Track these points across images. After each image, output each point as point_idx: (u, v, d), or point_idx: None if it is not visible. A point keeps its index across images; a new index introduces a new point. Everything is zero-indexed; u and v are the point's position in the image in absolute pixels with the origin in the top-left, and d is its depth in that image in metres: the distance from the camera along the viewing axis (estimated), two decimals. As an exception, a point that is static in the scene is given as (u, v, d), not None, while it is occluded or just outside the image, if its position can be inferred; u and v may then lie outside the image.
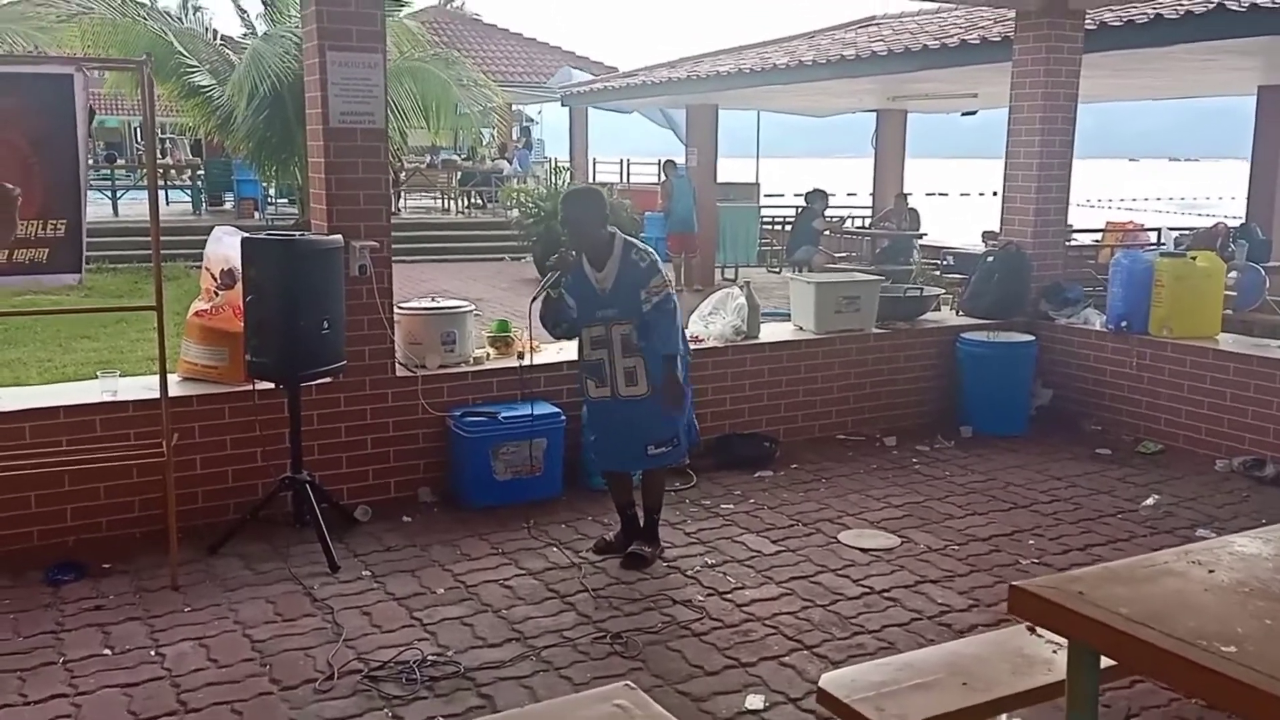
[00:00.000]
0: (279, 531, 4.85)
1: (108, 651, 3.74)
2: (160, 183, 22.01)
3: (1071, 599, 2.02)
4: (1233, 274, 8.48)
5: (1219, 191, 46.06)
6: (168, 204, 21.53)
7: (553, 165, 20.76)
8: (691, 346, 6.26)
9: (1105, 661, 2.13)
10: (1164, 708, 3.48)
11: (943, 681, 2.56)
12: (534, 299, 4.53)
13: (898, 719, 2.37)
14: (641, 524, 4.72)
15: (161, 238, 4.30)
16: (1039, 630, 2.84)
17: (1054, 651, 2.73)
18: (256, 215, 18.65)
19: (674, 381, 4.47)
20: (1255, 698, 1.68)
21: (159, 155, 24.47)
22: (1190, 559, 2.23)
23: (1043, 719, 3.29)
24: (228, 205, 20.83)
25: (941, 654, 2.79)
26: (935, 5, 12.67)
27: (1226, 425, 6.21)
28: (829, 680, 2.55)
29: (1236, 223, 11.70)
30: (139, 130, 30.59)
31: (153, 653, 3.74)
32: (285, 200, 20.37)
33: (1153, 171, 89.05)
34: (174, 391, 4.68)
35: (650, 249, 4.60)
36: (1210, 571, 2.17)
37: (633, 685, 1.66)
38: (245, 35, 13.54)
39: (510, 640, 3.90)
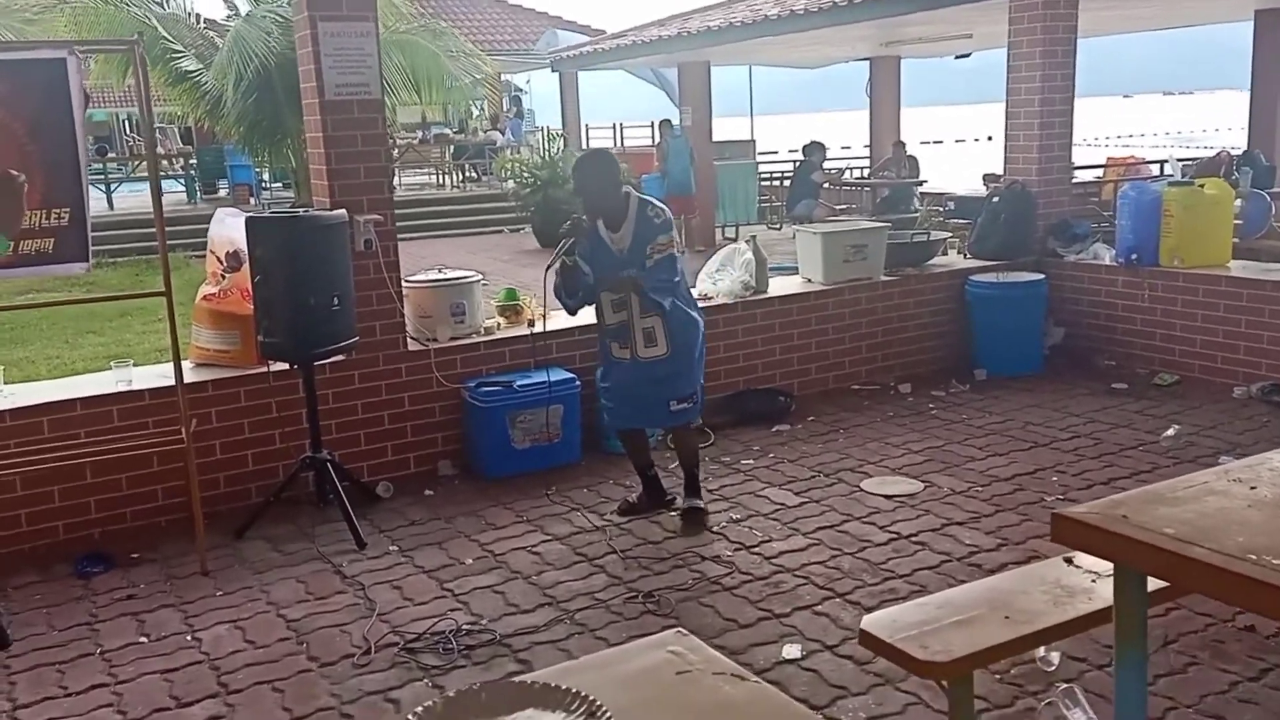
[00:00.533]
0: (303, 512, 4.86)
1: (144, 639, 3.75)
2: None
3: (1116, 523, 2.00)
4: (1237, 202, 8.41)
5: (1214, 123, 45.74)
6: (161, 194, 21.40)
7: (546, 133, 20.59)
8: (700, 304, 6.28)
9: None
10: (1200, 633, 3.49)
11: (984, 616, 2.55)
12: (549, 267, 4.45)
13: (942, 654, 2.37)
14: (684, 482, 4.72)
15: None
16: (1076, 561, 2.84)
17: (1093, 581, 2.72)
18: (252, 200, 18.56)
19: (629, 285, 4.39)
20: (1312, 609, 1.67)
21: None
22: (1230, 477, 2.21)
23: (1079, 650, 3.32)
24: (222, 192, 20.72)
25: (981, 589, 2.78)
26: (924, -54, 12.50)
27: (1242, 352, 6.18)
28: (870, 621, 2.54)
29: (1238, 152, 11.61)
30: (127, 122, 30.43)
31: (189, 637, 3.75)
32: (279, 184, 20.28)
33: (1147, 106, 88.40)
34: (188, 378, 4.66)
35: (665, 207, 4.54)
36: (1252, 488, 2.15)
37: (684, 631, 1.65)
38: (229, 17, 13.38)
39: (543, 605, 3.91)
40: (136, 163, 21.99)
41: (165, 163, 21.99)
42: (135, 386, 4.73)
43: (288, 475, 4.81)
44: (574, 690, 1.46)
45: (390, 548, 4.50)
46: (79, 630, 3.83)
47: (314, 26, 4.81)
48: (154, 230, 4.20)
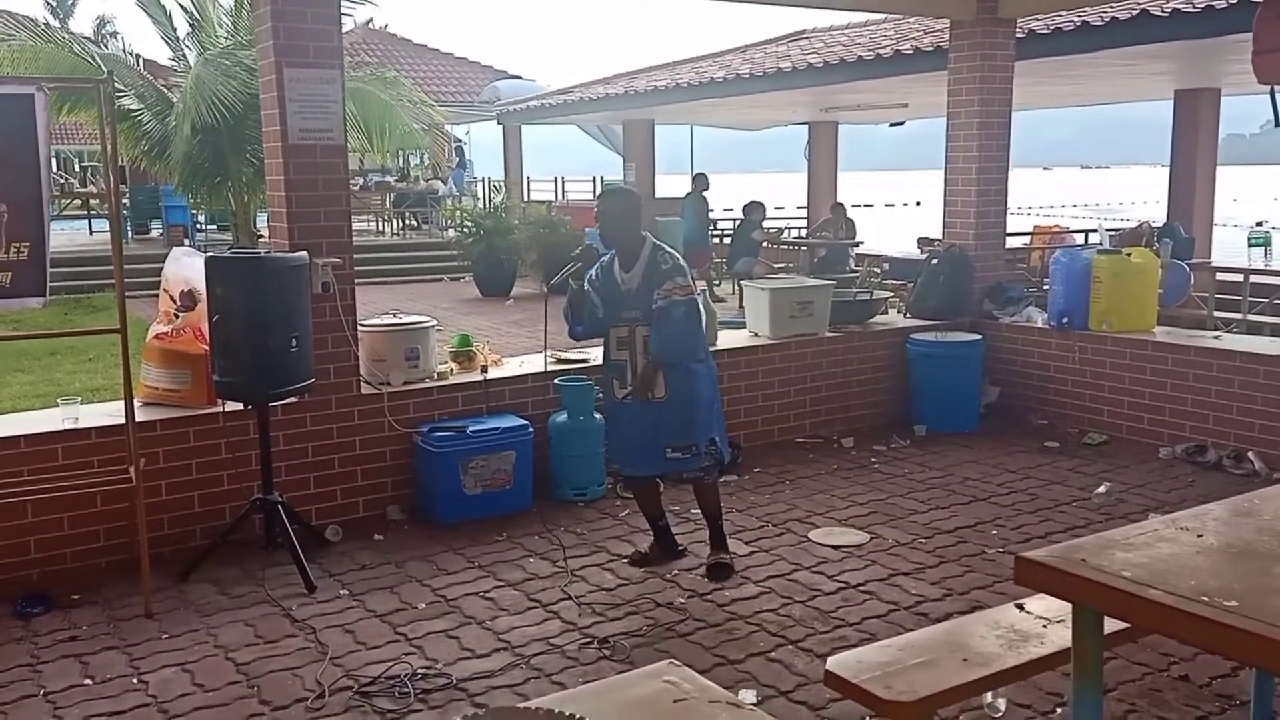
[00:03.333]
0: (250, 555, 4.78)
1: (88, 681, 3.65)
2: (82, 212, 21.69)
3: (1076, 565, 2.12)
4: (1158, 272, 8.81)
5: (1130, 197, 47.74)
6: (90, 234, 21.04)
7: (487, 184, 20.69)
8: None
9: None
10: (1138, 681, 3.62)
11: (943, 659, 2.64)
12: (552, 281, 4.53)
13: (907, 694, 2.45)
14: (709, 535, 4.73)
15: (90, 267, 4.24)
16: (1027, 607, 2.96)
17: (1044, 625, 2.84)
18: (186, 242, 18.27)
19: (651, 378, 4.42)
20: (1262, 645, 1.79)
21: (81, 185, 23.96)
22: (1178, 526, 2.35)
23: (1023, 696, 3.42)
24: (155, 233, 20.40)
25: (939, 633, 2.88)
26: (864, 18, 13.02)
27: (1167, 414, 6.45)
28: (836, 663, 2.61)
29: (1158, 224, 12.16)
30: (54, 160, 29.90)
31: (135, 680, 3.67)
32: (214, 227, 20.04)
33: (1066, 179, 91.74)
34: (137, 416, 4.59)
35: (675, 256, 4.54)
36: (1199, 536, 2.29)
37: (677, 662, 1.71)
38: (173, 59, 13.30)
39: (498, 650, 3.90)
40: (67, 201, 21.53)
41: (95, 202, 21.65)
42: (82, 424, 4.64)
43: (236, 517, 4.75)
44: (577, 716, 1.51)
45: (341, 591, 4.45)
46: (20, 671, 3.72)
47: (279, 72, 4.85)
48: (83, 269, 4.18)
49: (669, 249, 4.58)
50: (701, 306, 6.47)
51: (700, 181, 15.01)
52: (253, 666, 3.78)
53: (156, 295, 5.20)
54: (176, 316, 4.97)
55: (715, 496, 4.71)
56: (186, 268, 4.94)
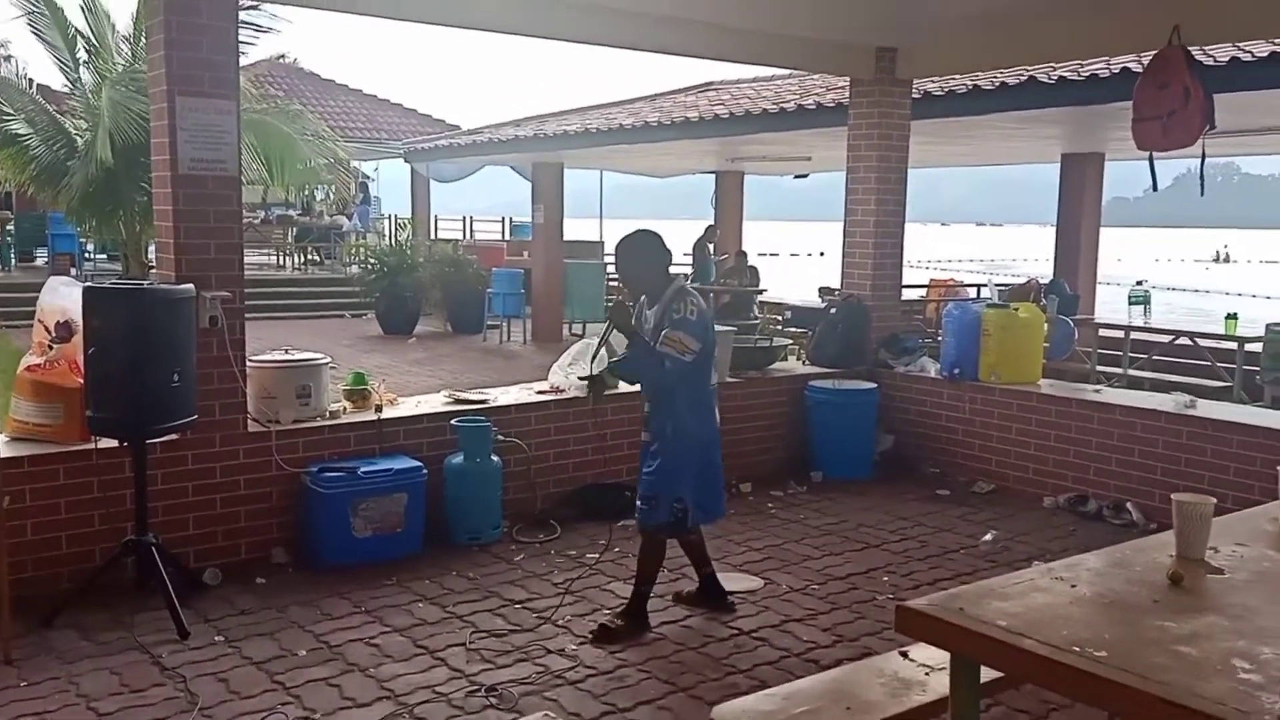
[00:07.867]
0: (120, 599, 4.55)
1: (-67, 735, 3.42)
2: (-38, 238, 20.68)
3: (954, 614, 2.14)
4: (1044, 327, 9.13)
5: (1022, 254, 49.73)
6: (-27, 262, 20.10)
7: (394, 221, 20.44)
8: (553, 397, 6.32)
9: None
10: (1018, 728, 3.68)
11: (827, 708, 2.64)
12: (593, 354, 4.69)
13: (790, 745, 2.43)
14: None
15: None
16: (911, 655, 2.98)
17: (926, 674, 2.86)
18: (73, 271, 17.60)
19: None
20: (1129, 695, 1.82)
21: (-39, 209, 22.88)
22: (1053, 576, 2.40)
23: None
24: (39, 261, 19.61)
25: (824, 681, 2.88)
26: (770, 73, 13.34)
27: (1051, 464, 6.65)
28: (721, 713, 2.59)
29: (1045, 280, 12.62)
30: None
31: (-14, 733, 3.45)
32: (104, 256, 19.38)
33: (962, 235, 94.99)
34: (3, 452, 4.36)
35: (696, 308, 4.28)
36: (1073, 586, 2.34)
37: (552, 714, 1.66)
38: (67, 85, 12.87)
39: (381, 699, 3.78)
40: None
41: (-21, 231, 20.69)
42: (-58, 460, 4.39)
43: (106, 559, 4.52)
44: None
45: (216, 638, 4.27)
46: None
47: (171, 100, 4.71)
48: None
49: (693, 299, 4.33)
50: (605, 351, 6.47)
51: (709, 233, 16.42)
52: (116, 717, 3.59)
53: (33, 325, 4.97)
54: (51, 348, 4.75)
55: (651, 561, 4.54)
56: (64, 298, 4.73)
